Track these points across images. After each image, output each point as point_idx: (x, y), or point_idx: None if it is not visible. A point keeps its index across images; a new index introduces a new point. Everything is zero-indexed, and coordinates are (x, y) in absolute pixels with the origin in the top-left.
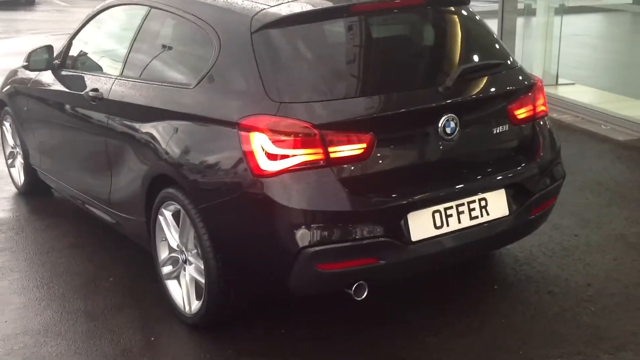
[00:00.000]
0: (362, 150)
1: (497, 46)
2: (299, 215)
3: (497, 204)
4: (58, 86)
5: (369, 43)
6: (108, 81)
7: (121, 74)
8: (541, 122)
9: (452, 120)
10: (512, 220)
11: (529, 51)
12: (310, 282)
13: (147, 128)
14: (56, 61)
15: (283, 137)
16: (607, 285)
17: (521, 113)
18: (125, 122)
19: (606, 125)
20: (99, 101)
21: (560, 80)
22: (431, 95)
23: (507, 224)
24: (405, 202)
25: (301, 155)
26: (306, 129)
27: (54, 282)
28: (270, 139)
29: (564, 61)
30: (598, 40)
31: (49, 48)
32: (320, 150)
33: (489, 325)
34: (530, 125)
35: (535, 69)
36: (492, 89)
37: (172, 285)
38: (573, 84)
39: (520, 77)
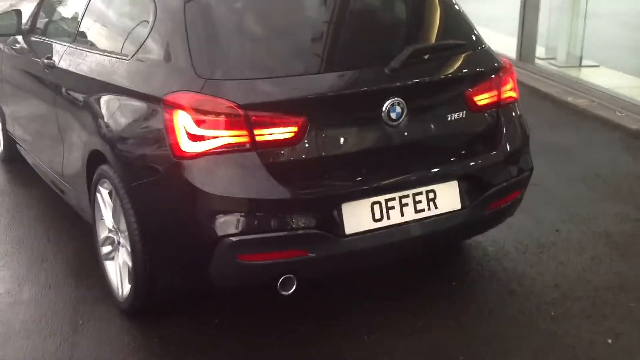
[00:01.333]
0: (292, 134)
1: (462, 25)
2: (219, 201)
3: (447, 196)
4: (24, 52)
5: (311, 18)
6: (61, 49)
7: (72, 43)
8: (508, 110)
9: (399, 104)
10: (466, 215)
11: (555, 30)
12: (231, 273)
13: (87, 100)
14: (25, 26)
15: (206, 117)
16: (576, 287)
17: (482, 99)
18: (70, 92)
19: (621, 112)
20: (51, 69)
21: (585, 62)
22: (375, 77)
23: (459, 219)
24: (338, 192)
25: (224, 137)
26: (231, 108)
27: (2, 257)
28: (192, 118)
29: (595, 42)
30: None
31: (17, 12)
32: (245, 132)
33: (435, 325)
34: (494, 112)
35: (559, 49)
36: (448, 72)
37: (110, 266)
38: (597, 66)
39: (485, 60)
